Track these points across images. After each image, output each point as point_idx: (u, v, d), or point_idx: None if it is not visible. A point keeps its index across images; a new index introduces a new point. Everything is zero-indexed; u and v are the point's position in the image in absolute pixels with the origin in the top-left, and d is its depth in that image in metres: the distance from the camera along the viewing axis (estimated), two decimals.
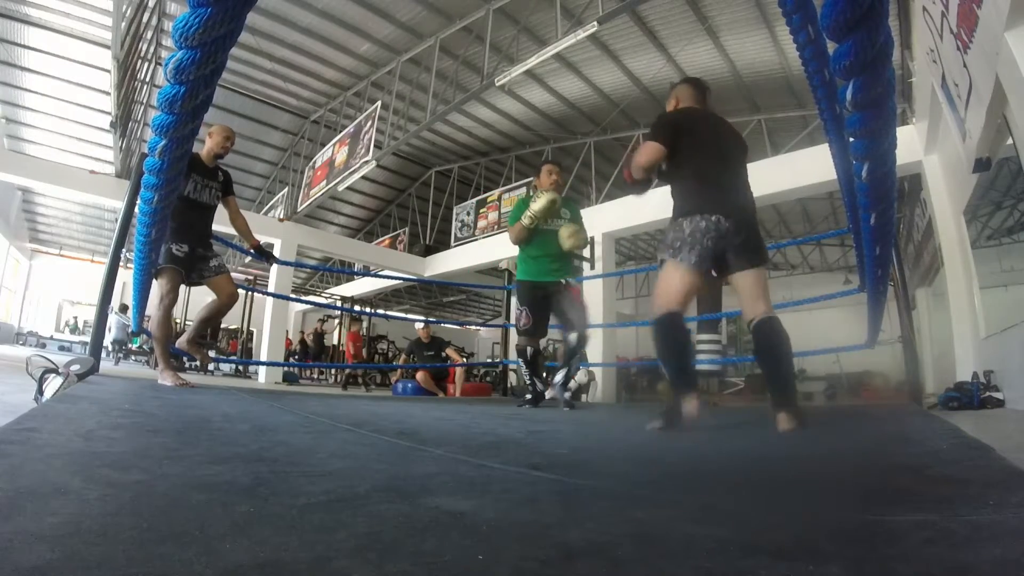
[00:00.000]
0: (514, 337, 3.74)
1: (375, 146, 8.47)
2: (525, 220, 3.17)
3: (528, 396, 3.35)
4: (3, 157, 8.85)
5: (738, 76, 8.17)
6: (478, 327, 21.98)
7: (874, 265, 2.21)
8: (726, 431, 2.06)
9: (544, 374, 3.49)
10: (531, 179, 10.48)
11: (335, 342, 13.06)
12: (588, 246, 2.96)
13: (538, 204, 3.13)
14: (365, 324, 13.55)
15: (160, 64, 8.82)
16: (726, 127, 2.18)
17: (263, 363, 9.43)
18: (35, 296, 16.49)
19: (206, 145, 3.01)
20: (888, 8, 0.79)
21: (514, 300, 3.76)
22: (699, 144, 2.04)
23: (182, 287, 2.99)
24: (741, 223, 1.93)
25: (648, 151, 2.01)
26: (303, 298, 14.27)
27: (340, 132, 9.77)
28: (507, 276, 5.73)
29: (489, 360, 14.17)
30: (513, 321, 3.64)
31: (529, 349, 3.33)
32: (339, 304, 12.74)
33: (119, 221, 2.70)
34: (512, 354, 4.28)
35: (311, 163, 10.63)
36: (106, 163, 10.55)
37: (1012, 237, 4.76)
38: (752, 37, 7.38)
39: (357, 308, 13.33)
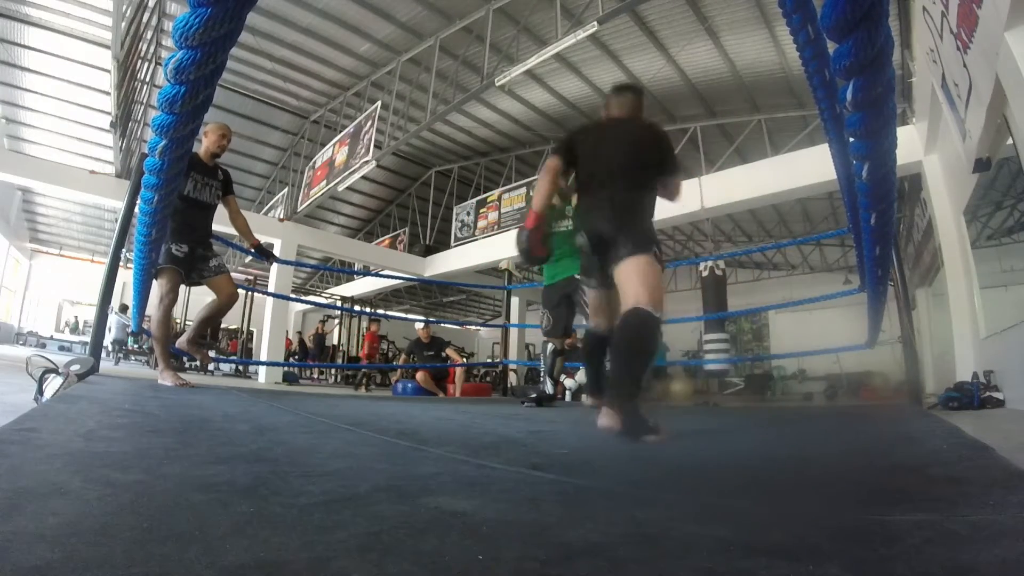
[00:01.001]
0: (514, 337, 3.78)
1: (375, 146, 8.47)
2: None
3: (532, 395, 3.34)
4: (3, 157, 8.85)
5: (738, 76, 8.17)
6: (478, 327, 21.98)
7: (874, 265, 2.21)
8: (726, 431, 2.06)
9: (562, 376, 3.49)
10: (533, 179, 10.49)
11: (335, 342, 13.07)
12: None
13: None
14: (365, 324, 13.56)
15: (160, 64, 8.82)
16: (626, 131, 2.04)
17: (263, 363, 9.42)
18: (35, 296, 16.48)
19: (203, 144, 3.01)
20: (888, 8, 0.79)
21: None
22: (586, 157, 2.00)
23: (182, 287, 2.99)
24: (603, 229, 1.87)
25: (543, 172, 2.01)
26: (303, 298, 14.27)
27: (340, 132, 9.77)
28: (507, 276, 5.72)
29: (489, 360, 14.17)
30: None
31: (550, 347, 3.41)
32: (339, 304, 12.75)
33: (119, 221, 2.70)
34: (513, 354, 4.30)
35: (311, 163, 10.63)
36: (106, 163, 10.55)
37: (1012, 237, 4.76)
38: (752, 37, 7.38)
39: (357, 308, 13.33)
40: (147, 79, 9.02)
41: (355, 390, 8.32)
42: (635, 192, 1.92)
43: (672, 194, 2.01)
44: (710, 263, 9.73)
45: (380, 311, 14.05)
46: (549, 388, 3.39)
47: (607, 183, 1.93)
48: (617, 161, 1.95)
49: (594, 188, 1.96)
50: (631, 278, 1.78)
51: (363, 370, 9.64)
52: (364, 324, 13.59)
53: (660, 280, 1.80)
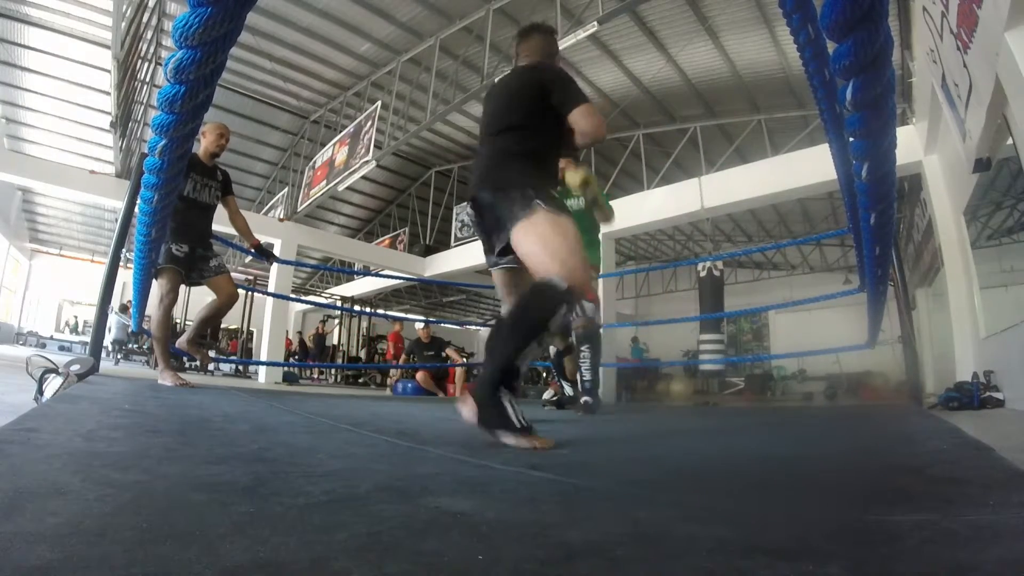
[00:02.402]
0: None
1: (375, 146, 8.47)
2: None
3: (553, 396, 3.29)
4: (3, 157, 8.85)
5: (738, 76, 8.16)
6: (478, 327, 21.98)
7: (874, 265, 2.21)
8: (726, 431, 2.06)
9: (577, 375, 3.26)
10: None
11: (335, 342, 13.07)
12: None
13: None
14: (365, 324, 13.56)
15: (160, 64, 8.81)
16: (503, 81, 1.81)
17: (263, 363, 9.42)
18: (35, 296, 16.47)
19: (201, 145, 3.01)
20: (888, 8, 0.79)
21: None
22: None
23: (182, 287, 3.00)
24: (482, 199, 1.65)
25: None
26: (303, 298, 14.27)
27: (340, 132, 9.77)
28: None
29: None
30: None
31: (552, 348, 3.19)
32: (339, 304, 12.74)
33: (119, 221, 2.70)
34: None
35: (311, 163, 10.63)
36: (106, 163, 10.54)
37: (1012, 237, 4.76)
38: (752, 37, 7.37)
39: (357, 308, 13.33)
40: (147, 79, 9.01)
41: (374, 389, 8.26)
42: (502, 142, 1.67)
43: (582, 135, 1.63)
44: (708, 264, 9.74)
45: (380, 311, 14.05)
46: (568, 390, 3.24)
47: (482, 141, 1.75)
48: (488, 113, 1.75)
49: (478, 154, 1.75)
50: (528, 253, 1.51)
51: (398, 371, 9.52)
52: (365, 324, 13.62)
53: (565, 238, 1.47)
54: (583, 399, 2.94)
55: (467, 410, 1.42)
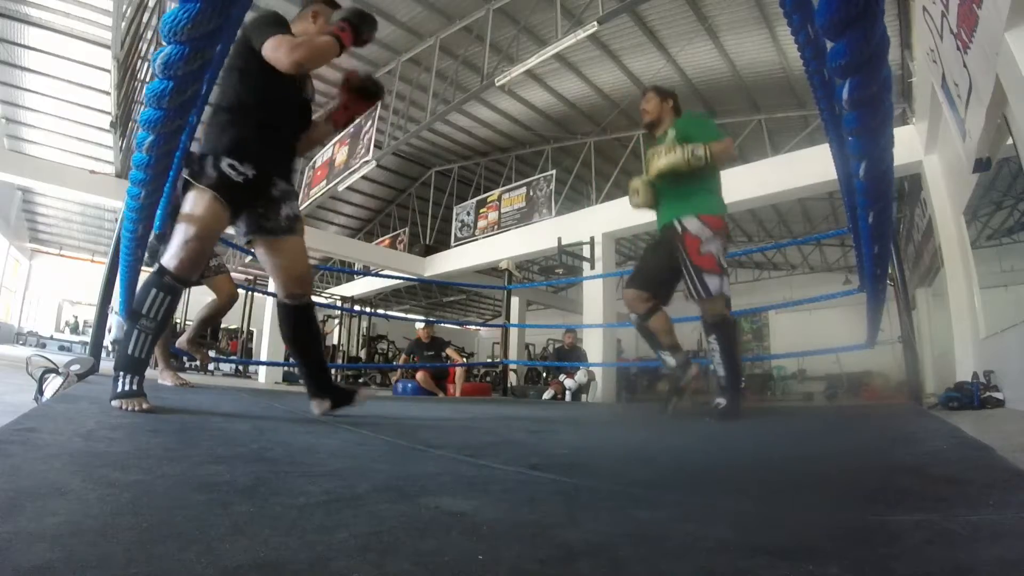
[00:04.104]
0: (514, 337, 3.56)
1: (375, 146, 8.47)
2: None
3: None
4: (3, 157, 8.85)
5: (738, 76, 8.17)
6: (478, 327, 21.97)
7: (873, 264, 2.21)
8: (726, 431, 2.06)
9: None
10: (533, 179, 10.49)
11: (335, 342, 13.06)
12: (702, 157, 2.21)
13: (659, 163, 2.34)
14: (365, 324, 13.57)
15: None
16: None
17: (263, 363, 9.42)
18: (35, 296, 16.48)
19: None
20: (884, 6, 0.79)
21: None
22: None
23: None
24: None
25: None
26: None
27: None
28: (507, 276, 5.72)
29: (489, 360, 14.16)
30: None
31: (632, 315, 2.55)
32: (339, 304, 12.74)
33: (119, 221, 2.70)
34: (513, 354, 4.14)
35: (311, 163, 10.62)
36: (106, 163, 10.55)
37: (1012, 237, 4.77)
38: (752, 37, 7.38)
39: (357, 308, 13.33)
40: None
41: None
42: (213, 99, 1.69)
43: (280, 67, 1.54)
44: None
45: (380, 311, 14.05)
46: (671, 361, 2.53)
47: None
48: None
49: None
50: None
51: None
52: (364, 324, 13.62)
53: (188, 217, 1.58)
54: (716, 401, 2.32)
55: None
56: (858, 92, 0.90)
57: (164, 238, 2.02)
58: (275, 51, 1.54)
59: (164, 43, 0.95)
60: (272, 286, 2.01)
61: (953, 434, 1.59)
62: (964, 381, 4.45)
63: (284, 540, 0.55)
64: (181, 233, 1.58)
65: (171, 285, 1.57)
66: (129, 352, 1.53)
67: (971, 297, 5.13)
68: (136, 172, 1.38)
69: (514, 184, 11.17)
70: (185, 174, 1.62)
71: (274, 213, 1.72)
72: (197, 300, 8.02)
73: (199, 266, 1.64)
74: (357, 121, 9.60)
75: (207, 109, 1.71)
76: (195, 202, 1.59)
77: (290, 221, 1.75)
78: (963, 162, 4.08)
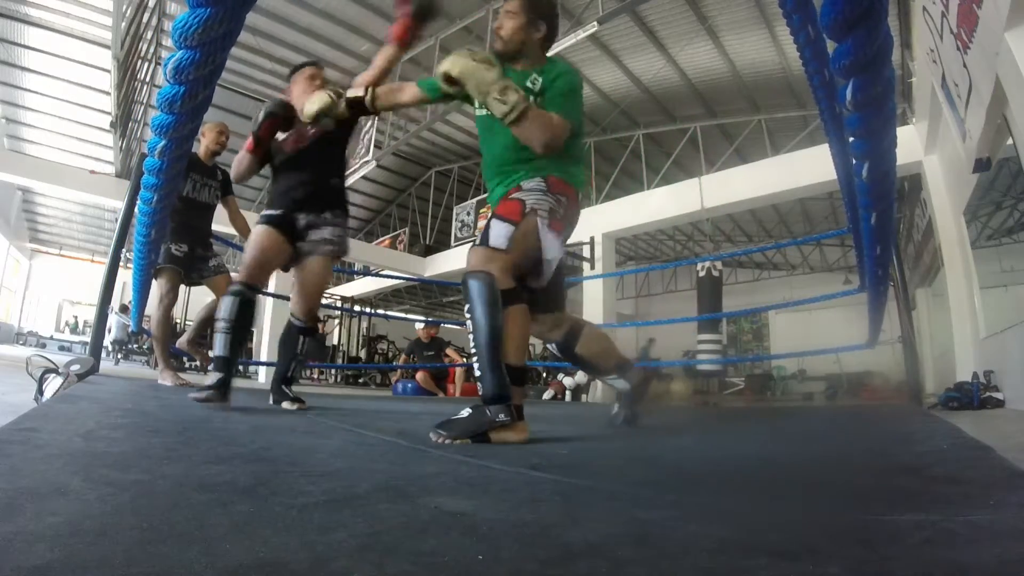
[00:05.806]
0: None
1: (375, 146, 8.47)
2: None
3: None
4: (3, 157, 8.86)
5: (738, 76, 8.16)
6: None
7: (874, 265, 2.21)
8: (726, 431, 2.06)
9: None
10: None
11: (335, 342, 13.06)
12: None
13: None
14: (365, 324, 13.56)
15: (160, 64, 8.81)
16: None
17: (263, 363, 9.41)
18: (35, 296, 16.47)
19: (201, 144, 3.01)
20: (888, 7, 0.79)
21: None
22: None
23: (182, 287, 3.00)
24: None
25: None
26: None
27: None
28: None
29: None
30: None
31: (551, 345, 2.02)
32: (339, 304, 12.73)
33: (119, 221, 2.70)
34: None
35: None
36: (106, 163, 10.54)
37: (1012, 237, 4.77)
38: (752, 37, 7.37)
39: (357, 308, 13.32)
40: (147, 79, 9.01)
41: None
42: None
43: None
44: (707, 264, 9.75)
45: (380, 311, 14.05)
46: (622, 384, 2.00)
47: None
48: None
49: None
50: None
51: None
52: (364, 324, 13.61)
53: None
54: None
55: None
56: (862, 93, 0.90)
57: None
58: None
59: (175, 48, 0.95)
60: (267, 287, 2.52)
61: (953, 434, 1.59)
62: (964, 381, 4.45)
63: (284, 540, 0.55)
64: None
65: None
66: None
67: (971, 297, 5.13)
68: (148, 176, 1.39)
69: None
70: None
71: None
72: (197, 300, 8.02)
73: None
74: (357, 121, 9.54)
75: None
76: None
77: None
78: (963, 162, 4.08)
